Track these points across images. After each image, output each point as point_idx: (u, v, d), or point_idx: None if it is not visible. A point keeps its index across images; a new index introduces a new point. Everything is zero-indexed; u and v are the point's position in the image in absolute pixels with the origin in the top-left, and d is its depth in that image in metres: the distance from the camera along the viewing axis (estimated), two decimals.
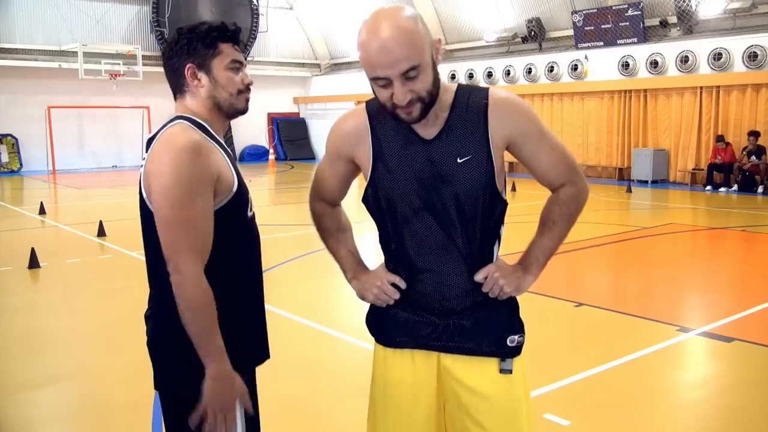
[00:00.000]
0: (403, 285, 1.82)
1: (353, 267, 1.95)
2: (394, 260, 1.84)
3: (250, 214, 1.93)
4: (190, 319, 1.72)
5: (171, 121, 1.84)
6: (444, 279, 1.77)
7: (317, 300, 5.98)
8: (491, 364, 1.80)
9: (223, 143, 1.91)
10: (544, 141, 1.77)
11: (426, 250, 1.77)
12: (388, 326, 1.88)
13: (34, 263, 7.23)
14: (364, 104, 1.83)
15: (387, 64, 1.57)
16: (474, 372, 1.80)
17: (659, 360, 4.45)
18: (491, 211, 1.77)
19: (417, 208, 1.75)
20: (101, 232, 9.16)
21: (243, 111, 1.93)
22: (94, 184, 16.85)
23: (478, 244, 1.77)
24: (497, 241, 1.84)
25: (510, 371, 1.79)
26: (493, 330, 1.79)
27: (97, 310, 5.81)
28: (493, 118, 1.72)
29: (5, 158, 19.88)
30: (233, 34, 1.90)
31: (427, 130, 1.73)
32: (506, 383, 1.80)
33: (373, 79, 1.62)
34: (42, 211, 11.41)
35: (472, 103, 1.73)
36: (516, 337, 1.80)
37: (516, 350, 1.81)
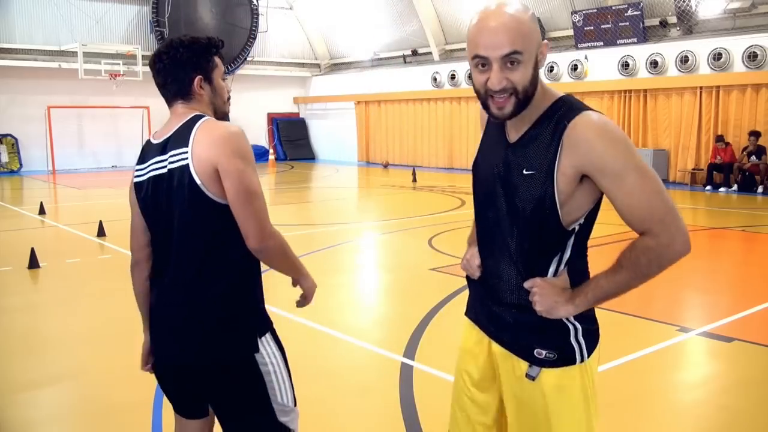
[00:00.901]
0: (477, 274, 1.93)
1: (472, 234, 2.06)
2: (478, 237, 1.96)
3: None
4: (288, 255, 2.15)
5: (197, 118, 2.07)
6: (498, 271, 1.84)
7: (317, 300, 5.95)
8: (522, 364, 1.83)
9: None
10: (624, 180, 1.64)
11: (489, 241, 1.86)
12: (469, 295, 2.06)
13: (33, 263, 7.23)
14: None
15: (490, 44, 1.59)
16: (507, 365, 1.87)
17: (659, 360, 4.45)
18: (544, 234, 1.74)
19: (485, 203, 1.85)
20: (101, 232, 9.16)
21: (228, 114, 2.26)
22: (94, 184, 16.85)
23: (527, 257, 1.78)
24: (556, 262, 1.81)
25: (533, 378, 1.79)
26: (524, 335, 1.82)
27: (97, 310, 5.81)
28: (567, 143, 1.65)
29: (5, 158, 19.88)
30: (222, 47, 2.18)
31: (513, 133, 1.76)
32: (531, 389, 1.81)
33: (473, 59, 1.63)
34: (42, 211, 11.41)
35: (559, 119, 1.68)
36: (544, 352, 1.79)
37: (544, 362, 1.79)
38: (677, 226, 1.71)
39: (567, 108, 1.69)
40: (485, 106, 1.69)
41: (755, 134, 13.44)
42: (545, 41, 1.69)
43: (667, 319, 5.24)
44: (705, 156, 14.67)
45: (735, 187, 13.67)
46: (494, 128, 1.85)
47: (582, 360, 1.81)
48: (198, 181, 1.98)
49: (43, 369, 4.40)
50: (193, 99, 2.13)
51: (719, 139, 14.00)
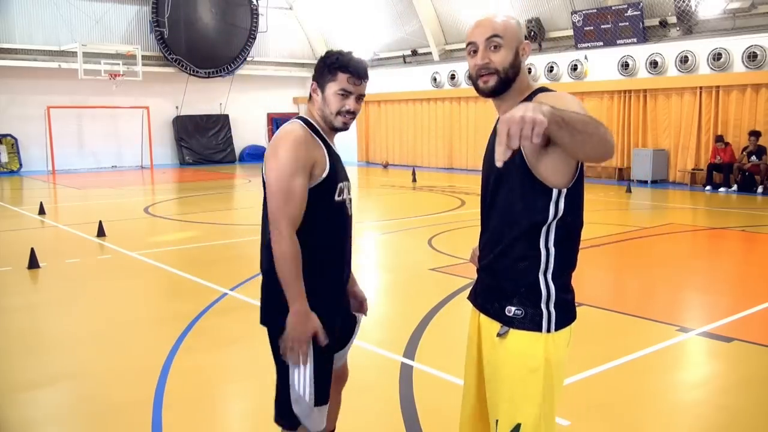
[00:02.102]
0: (476, 254, 2.23)
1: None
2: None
3: (338, 198, 2.46)
4: (281, 266, 2.28)
5: (293, 120, 2.46)
6: (482, 242, 2.14)
7: None
8: (496, 325, 2.04)
9: (329, 142, 2.47)
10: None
11: (481, 219, 2.14)
12: None
13: (33, 263, 7.23)
14: None
15: (478, 32, 2.00)
16: (486, 332, 2.09)
17: (659, 360, 4.45)
18: (522, 193, 1.93)
19: (482, 187, 2.13)
20: (101, 233, 9.16)
21: (337, 128, 2.46)
22: (94, 185, 16.85)
23: (502, 217, 2.01)
24: (547, 232, 1.96)
25: (502, 335, 2.00)
26: (497, 294, 2.04)
27: (96, 310, 5.81)
28: None
29: (5, 158, 19.88)
30: (355, 69, 2.39)
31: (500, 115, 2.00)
32: (498, 350, 2.02)
33: (467, 47, 2.03)
34: (41, 212, 11.41)
35: (531, 97, 1.98)
36: (513, 308, 2.00)
37: (513, 321, 1.99)
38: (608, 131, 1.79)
39: (540, 90, 2.03)
40: (475, 87, 2.03)
41: (755, 134, 13.44)
42: (527, 41, 2.04)
43: (667, 319, 5.24)
44: (705, 156, 14.67)
45: (735, 187, 13.67)
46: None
47: (549, 330, 1.98)
48: (263, 173, 2.43)
49: (43, 369, 4.40)
50: (310, 101, 2.51)
51: (719, 139, 14.00)
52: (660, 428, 3.52)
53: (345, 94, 2.40)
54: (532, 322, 1.97)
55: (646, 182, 15.21)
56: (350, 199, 2.55)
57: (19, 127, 19.97)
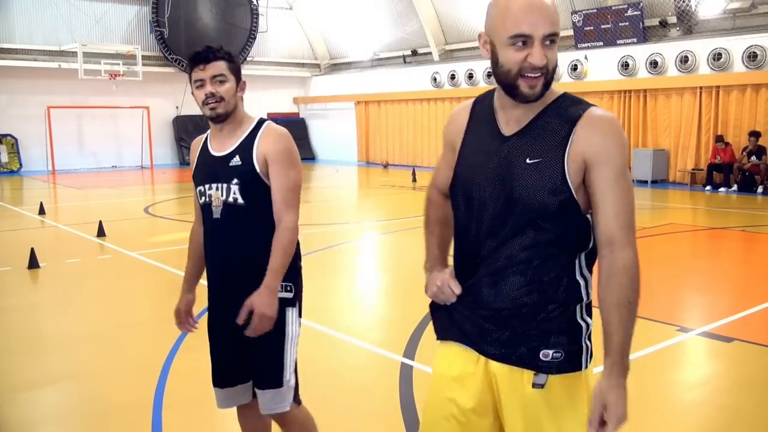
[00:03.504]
0: (458, 291, 1.79)
1: (432, 259, 1.93)
2: (456, 256, 1.85)
3: (201, 201, 2.52)
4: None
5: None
6: (496, 277, 1.72)
7: (316, 300, 5.97)
8: (527, 375, 1.74)
9: (209, 144, 2.56)
10: (620, 179, 1.63)
11: (479, 247, 1.75)
12: (440, 321, 1.93)
13: (33, 263, 7.23)
14: (474, 98, 1.90)
15: (536, 21, 1.57)
16: (510, 382, 1.77)
17: (659, 360, 4.45)
18: (558, 222, 1.67)
19: (477, 206, 1.74)
20: (101, 233, 9.15)
21: (211, 119, 2.46)
22: (94, 185, 16.85)
23: (533, 249, 1.69)
24: (580, 260, 1.75)
25: (541, 385, 1.71)
26: (528, 339, 1.73)
27: (96, 310, 5.81)
28: (581, 131, 1.64)
29: (5, 158, 19.87)
30: (195, 57, 2.40)
31: (509, 127, 1.72)
32: (538, 401, 1.73)
33: (513, 37, 1.59)
34: (42, 212, 11.40)
35: (567, 112, 1.67)
36: (551, 352, 1.72)
37: (551, 366, 1.73)
38: (634, 241, 1.69)
39: (574, 101, 1.70)
40: (512, 87, 1.64)
41: (755, 134, 13.44)
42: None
43: (667, 319, 5.24)
44: (705, 156, 14.67)
45: (735, 187, 13.67)
46: (483, 125, 1.78)
47: (587, 365, 1.75)
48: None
49: (43, 369, 4.40)
50: None
51: (719, 139, 14.00)
52: (660, 428, 3.52)
53: (200, 83, 2.41)
54: (570, 363, 1.73)
55: (646, 182, 15.21)
56: (227, 204, 2.44)
57: (19, 127, 19.96)
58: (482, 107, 1.81)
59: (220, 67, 2.39)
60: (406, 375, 4.14)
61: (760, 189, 13.33)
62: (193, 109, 22.73)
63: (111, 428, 3.56)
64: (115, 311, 5.70)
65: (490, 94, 1.83)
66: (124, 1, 21.21)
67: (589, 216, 1.69)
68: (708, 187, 14.07)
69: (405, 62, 21.75)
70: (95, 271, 7.38)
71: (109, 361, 4.56)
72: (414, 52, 21.36)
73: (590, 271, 1.77)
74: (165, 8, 20.78)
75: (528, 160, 1.66)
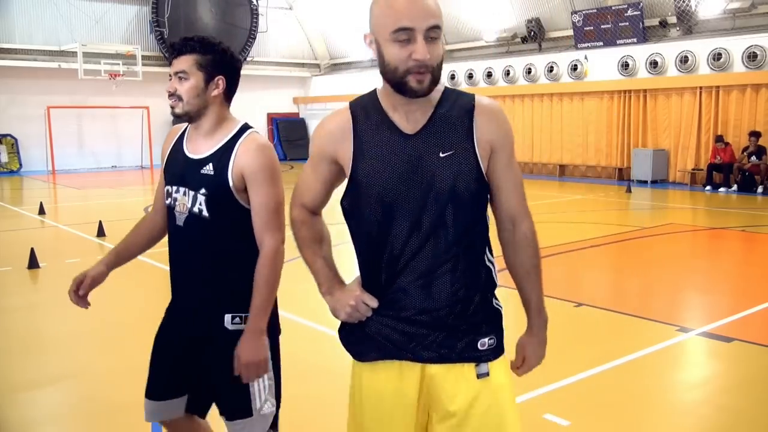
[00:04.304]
0: (374, 304, 1.75)
1: (328, 281, 1.85)
2: (370, 267, 1.77)
3: (167, 202, 2.33)
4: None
5: None
6: (424, 279, 1.70)
7: (317, 300, 5.96)
8: (469, 368, 1.75)
9: (183, 142, 2.38)
10: (513, 159, 1.78)
11: (401, 252, 1.70)
12: (359, 339, 1.83)
13: (33, 263, 7.23)
14: (347, 104, 1.83)
15: (417, 14, 1.58)
16: (451, 380, 1.75)
17: (659, 360, 4.45)
18: (478, 208, 1.75)
19: (394, 209, 1.69)
20: (101, 233, 9.15)
21: (176, 116, 2.29)
22: (94, 185, 16.85)
23: (462, 238, 1.71)
24: (487, 245, 1.80)
25: (486, 374, 1.74)
26: (464, 332, 1.74)
27: (96, 310, 5.78)
28: (480, 120, 1.72)
29: (5, 158, 19.87)
30: (168, 51, 2.30)
31: (410, 125, 1.71)
32: (483, 392, 1.74)
33: (396, 32, 1.60)
34: (41, 212, 11.40)
35: (459, 103, 1.73)
36: (486, 340, 1.75)
37: (489, 354, 1.76)
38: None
39: (459, 93, 1.77)
40: (400, 83, 1.63)
41: (755, 134, 13.44)
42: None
43: (667, 319, 5.24)
44: (705, 156, 14.67)
45: (735, 187, 13.67)
46: (375, 129, 1.73)
47: (504, 348, 1.82)
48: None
49: (43, 369, 4.40)
50: None
51: (719, 139, 14.00)
52: (660, 428, 3.52)
53: (170, 78, 2.25)
54: (499, 348, 1.78)
55: (646, 182, 15.21)
56: (192, 214, 2.21)
57: (19, 127, 19.96)
58: (366, 112, 1.76)
59: (184, 62, 2.17)
60: None
61: (760, 189, 13.33)
62: None
63: (111, 428, 3.56)
64: (115, 311, 5.69)
65: (366, 98, 1.82)
66: (124, 1, 21.21)
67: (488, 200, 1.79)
68: (708, 187, 14.07)
69: None
70: None
71: (109, 361, 4.56)
72: None
73: (492, 255, 1.82)
74: (165, 8, 20.78)
75: (441, 154, 1.68)
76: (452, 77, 19.69)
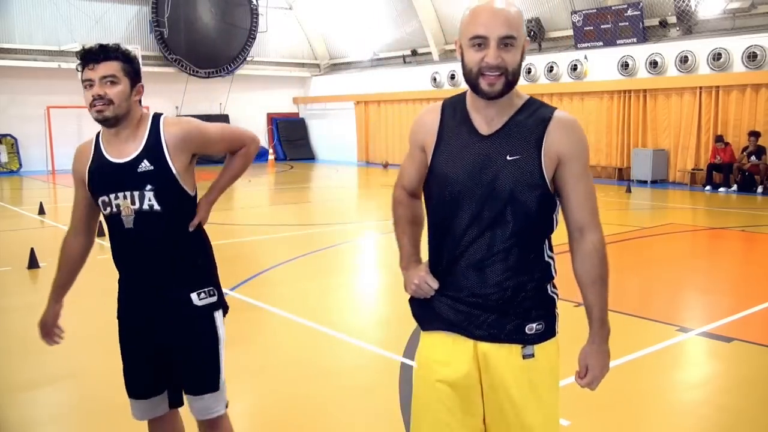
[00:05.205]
0: (435, 285, 1.95)
1: (407, 258, 2.06)
2: (436, 251, 1.97)
3: (106, 212, 2.41)
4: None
5: None
6: (481, 265, 1.89)
7: (316, 300, 5.97)
8: (516, 349, 1.92)
9: (104, 150, 2.45)
10: (586, 173, 1.89)
11: (458, 240, 1.90)
12: (422, 312, 2.08)
13: (33, 263, 7.23)
14: (443, 100, 2.01)
15: (491, 24, 1.77)
16: (500, 359, 1.93)
17: (659, 360, 4.45)
18: (538, 211, 1.86)
19: (459, 201, 1.88)
20: (100, 232, 9.12)
21: (98, 121, 2.38)
22: None
23: (517, 237, 1.86)
24: (547, 242, 1.95)
25: (531, 355, 1.91)
26: (512, 317, 1.92)
27: (97, 310, 5.79)
28: (552, 131, 1.84)
29: (4, 158, 19.87)
30: (84, 54, 2.24)
31: (487, 127, 1.87)
32: (527, 371, 1.92)
33: (472, 39, 1.79)
34: (41, 211, 11.41)
35: (537, 113, 1.87)
36: (534, 325, 1.91)
37: (535, 338, 1.92)
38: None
39: (540, 104, 1.90)
40: (474, 85, 1.82)
41: (755, 134, 13.45)
42: (527, 38, 1.89)
43: (667, 319, 5.24)
44: (705, 156, 14.67)
45: (735, 187, 13.68)
46: (457, 126, 1.92)
47: (556, 332, 1.97)
48: None
49: (43, 369, 4.40)
50: None
51: (719, 139, 14.00)
52: (660, 428, 3.52)
53: (89, 83, 2.25)
54: (549, 332, 1.94)
55: (645, 182, 15.21)
56: (142, 212, 2.31)
57: (18, 127, 19.96)
58: (453, 110, 1.94)
59: (111, 67, 2.22)
60: (406, 375, 4.13)
61: (759, 189, 13.33)
62: (193, 109, 22.77)
63: (111, 428, 3.56)
64: (115, 311, 5.68)
65: (457, 98, 1.98)
66: (124, 1, 21.21)
67: (557, 205, 1.92)
68: (708, 187, 14.07)
69: (405, 62, 21.75)
70: (95, 271, 7.36)
71: (109, 361, 4.53)
72: (414, 52, 21.37)
73: (552, 251, 1.97)
74: (165, 8, 20.78)
75: (508, 157, 1.84)
76: (452, 77, 19.71)
